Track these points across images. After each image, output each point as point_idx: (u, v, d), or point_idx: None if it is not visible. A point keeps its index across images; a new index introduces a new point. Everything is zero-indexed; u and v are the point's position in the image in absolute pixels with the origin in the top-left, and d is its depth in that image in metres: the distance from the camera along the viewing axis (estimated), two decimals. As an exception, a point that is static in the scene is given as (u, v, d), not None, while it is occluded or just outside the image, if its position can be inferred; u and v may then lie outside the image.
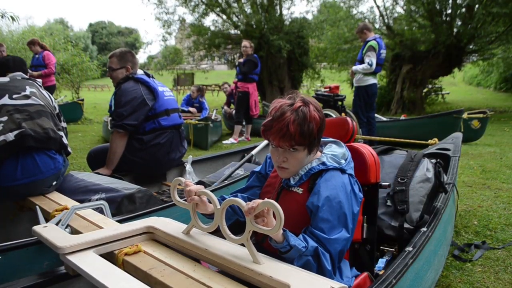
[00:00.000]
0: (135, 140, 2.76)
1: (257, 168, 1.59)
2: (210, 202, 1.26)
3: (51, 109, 2.24)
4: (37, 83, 2.34)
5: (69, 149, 2.33)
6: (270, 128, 1.28)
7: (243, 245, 1.14)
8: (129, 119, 2.67)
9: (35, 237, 1.59)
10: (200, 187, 1.27)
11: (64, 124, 2.37)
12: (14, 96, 2.10)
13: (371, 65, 5.49)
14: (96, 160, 2.86)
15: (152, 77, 2.96)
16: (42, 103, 2.17)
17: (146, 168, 2.86)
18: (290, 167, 1.33)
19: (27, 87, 2.19)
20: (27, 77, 2.36)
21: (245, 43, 6.83)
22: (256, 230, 1.07)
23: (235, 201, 1.11)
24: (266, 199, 1.05)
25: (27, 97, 2.13)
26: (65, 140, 2.26)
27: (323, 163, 1.35)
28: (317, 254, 1.19)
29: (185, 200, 1.31)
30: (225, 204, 1.15)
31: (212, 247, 1.20)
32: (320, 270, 1.19)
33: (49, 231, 1.35)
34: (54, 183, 2.16)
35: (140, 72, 2.89)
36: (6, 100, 2.07)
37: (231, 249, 1.19)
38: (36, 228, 1.39)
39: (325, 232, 1.23)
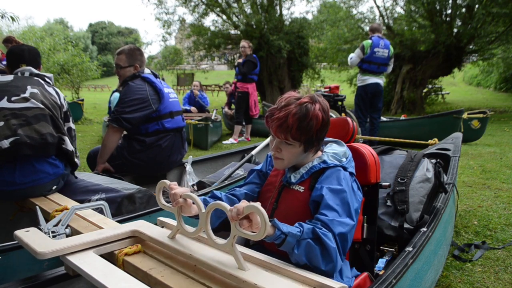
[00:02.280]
0: (136, 141, 2.76)
1: (258, 167, 1.59)
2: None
3: (53, 111, 2.12)
4: (45, 80, 2.22)
5: (76, 160, 2.21)
6: (271, 115, 1.29)
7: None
8: (127, 115, 2.65)
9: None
10: (186, 190, 1.24)
11: (71, 125, 2.27)
12: (13, 98, 2.02)
13: (349, 59, 5.96)
14: (96, 161, 2.85)
15: (158, 77, 2.95)
16: (42, 106, 2.06)
17: (146, 169, 2.86)
18: (284, 158, 1.33)
19: (28, 87, 2.09)
20: (36, 72, 2.24)
21: (243, 43, 6.82)
22: (241, 235, 1.04)
23: (219, 205, 1.08)
24: (251, 203, 1.02)
25: (26, 100, 2.04)
26: (67, 146, 2.14)
27: (324, 161, 1.35)
28: (317, 235, 1.14)
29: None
30: (209, 208, 1.11)
31: (197, 252, 1.17)
32: (324, 251, 1.13)
33: (29, 236, 1.30)
34: (54, 187, 2.13)
35: (147, 71, 2.87)
36: (4, 103, 2.00)
37: (216, 254, 1.15)
38: (17, 232, 1.34)
39: (328, 216, 1.20)
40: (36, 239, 1.26)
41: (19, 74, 2.21)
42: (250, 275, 1.03)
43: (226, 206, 1.06)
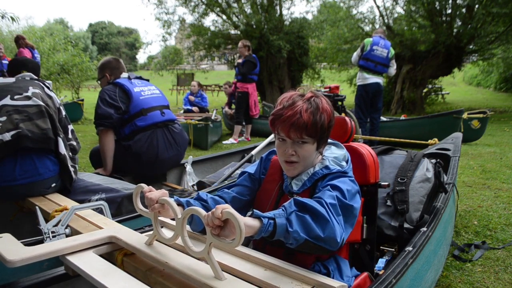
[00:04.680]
0: (120, 146, 2.79)
1: (250, 169, 1.50)
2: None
3: (52, 112, 2.17)
4: (45, 84, 2.29)
5: (70, 166, 2.18)
6: (280, 116, 1.22)
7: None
8: (104, 116, 2.70)
9: (36, 237, 1.60)
10: (163, 194, 1.20)
11: (72, 127, 2.32)
12: (16, 97, 2.09)
13: (352, 58, 6.20)
14: (98, 159, 2.87)
15: (140, 77, 3.01)
16: (43, 104, 2.14)
17: (141, 170, 2.86)
18: (300, 161, 1.26)
19: (30, 87, 2.16)
20: (35, 77, 2.33)
21: (240, 44, 6.85)
22: (217, 244, 1.00)
23: (194, 211, 1.04)
24: (226, 210, 0.95)
25: (28, 98, 2.11)
26: (60, 149, 2.14)
27: (327, 167, 1.31)
28: (300, 203, 1.06)
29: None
30: (185, 214, 1.09)
31: (174, 260, 1.13)
32: (314, 216, 1.06)
33: (1, 243, 1.24)
34: (54, 185, 2.15)
35: (124, 75, 2.94)
36: (7, 100, 2.07)
37: (194, 262, 1.11)
38: None
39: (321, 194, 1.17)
40: (7, 246, 1.21)
41: (20, 78, 2.28)
42: (227, 285, 0.98)
43: (202, 212, 1.01)
